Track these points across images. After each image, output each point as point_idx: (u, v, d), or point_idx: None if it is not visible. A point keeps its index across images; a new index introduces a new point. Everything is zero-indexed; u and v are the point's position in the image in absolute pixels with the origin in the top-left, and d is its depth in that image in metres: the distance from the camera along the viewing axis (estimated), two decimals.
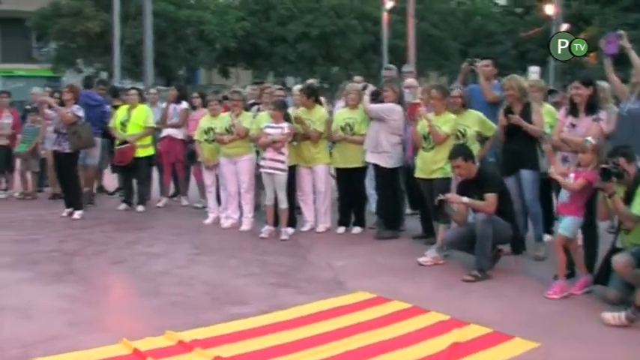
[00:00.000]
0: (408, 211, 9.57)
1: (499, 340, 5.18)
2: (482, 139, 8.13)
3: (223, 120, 9.52)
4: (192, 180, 11.30)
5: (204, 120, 9.93)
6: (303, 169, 9.22)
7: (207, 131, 9.75)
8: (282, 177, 8.74)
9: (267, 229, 8.90)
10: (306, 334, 5.32)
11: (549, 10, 33.05)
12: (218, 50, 37.92)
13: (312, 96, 9.17)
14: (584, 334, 5.34)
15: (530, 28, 37.49)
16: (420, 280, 6.91)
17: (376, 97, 8.82)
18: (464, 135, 7.87)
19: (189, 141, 10.79)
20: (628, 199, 5.84)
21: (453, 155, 7.20)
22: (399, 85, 9.15)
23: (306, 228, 9.25)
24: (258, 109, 9.94)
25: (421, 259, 7.51)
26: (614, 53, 7.11)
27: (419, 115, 7.86)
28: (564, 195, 6.37)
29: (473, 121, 7.99)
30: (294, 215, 9.26)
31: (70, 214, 10.21)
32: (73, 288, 6.68)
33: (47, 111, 10.59)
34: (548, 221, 8.09)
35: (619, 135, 6.70)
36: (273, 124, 8.73)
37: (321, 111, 9.19)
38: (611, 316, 5.50)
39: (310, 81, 11.24)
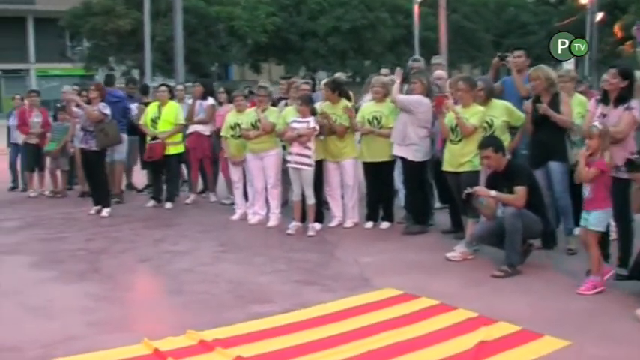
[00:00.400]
0: (437, 205, 9.40)
1: (528, 338, 5.02)
2: (511, 129, 7.95)
3: (249, 115, 9.44)
4: (221, 176, 11.25)
5: (230, 115, 9.86)
6: (331, 163, 9.10)
7: (233, 127, 9.68)
8: (309, 172, 8.64)
9: (294, 225, 8.81)
10: (328, 332, 5.22)
11: None
12: (249, 46, 38.07)
13: (336, 90, 9.04)
14: (618, 332, 5.14)
15: (564, 18, 36.97)
16: (448, 276, 6.76)
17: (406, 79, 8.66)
18: (491, 126, 7.70)
19: (216, 136, 10.72)
20: None
21: (483, 145, 7.05)
22: (427, 77, 8.97)
23: (333, 224, 9.14)
24: (286, 104, 9.85)
25: (450, 255, 7.36)
26: None
27: (446, 107, 7.70)
28: (585, 190, 6.18)
29: (500, 111, 7.81)
30: (321, 211, 9.16)
31: (99, 211, 10.21)
32: (97, 287, 6.66)
33: (74, 109, 10.61)
34: (579, 214, 7.86)
35: None
36: (300, 119, 8.64)
37: (346, 105, 9.07)
38: None
39: (337, 74, 11.09)
